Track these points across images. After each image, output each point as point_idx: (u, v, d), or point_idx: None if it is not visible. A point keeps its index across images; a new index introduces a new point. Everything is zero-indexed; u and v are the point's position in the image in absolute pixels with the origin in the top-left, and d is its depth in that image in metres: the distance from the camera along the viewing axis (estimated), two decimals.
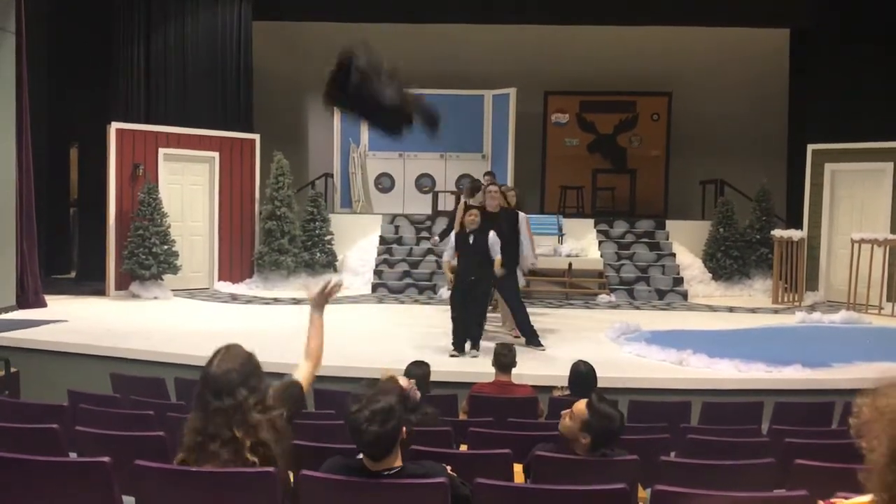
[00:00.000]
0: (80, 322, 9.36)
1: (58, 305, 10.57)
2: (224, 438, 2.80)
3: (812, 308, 11.42)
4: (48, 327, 8.93)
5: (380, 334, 9.10)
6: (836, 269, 12.33)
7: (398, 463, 2.84)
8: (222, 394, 2.81)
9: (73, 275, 13.72)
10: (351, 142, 14.94)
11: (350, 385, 6.64)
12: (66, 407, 5.04)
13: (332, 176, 15.05)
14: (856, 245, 11.41)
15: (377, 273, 12.84)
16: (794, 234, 12.28)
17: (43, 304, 10.45)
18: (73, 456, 3.93)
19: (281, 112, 15.65)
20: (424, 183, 15.20)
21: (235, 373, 2.85)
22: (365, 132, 15.20)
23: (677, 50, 15.26)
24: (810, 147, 12.69)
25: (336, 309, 10.98)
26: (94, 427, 4.20)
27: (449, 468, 3.17)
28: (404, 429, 2.84)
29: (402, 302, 11.84)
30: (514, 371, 6.00)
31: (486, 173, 12.73)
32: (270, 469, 2.85)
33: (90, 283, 12.39)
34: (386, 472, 2.81)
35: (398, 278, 12.72)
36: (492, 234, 7.91)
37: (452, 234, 8.23)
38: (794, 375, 7.16)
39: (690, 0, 13.62)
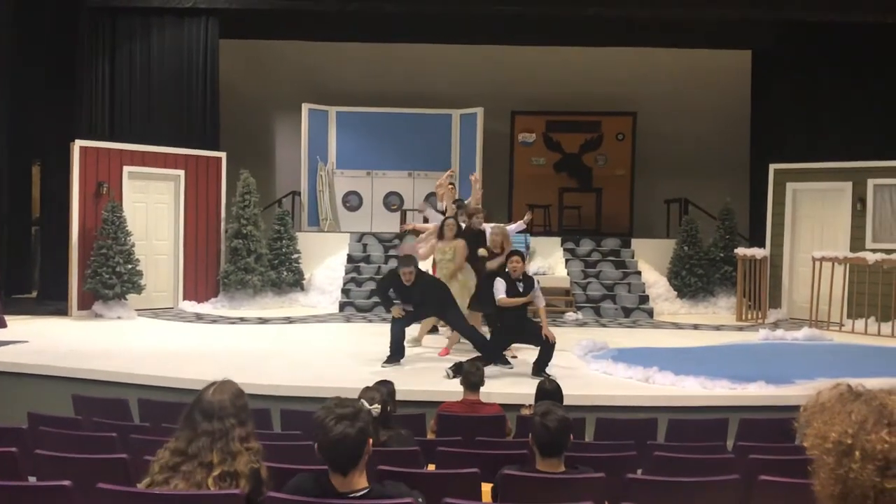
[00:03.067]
0: (41, 342, 9.19)
1: (19, 325, 10.37)
2: (203, 461, 2.86)
3: (775, 325, 11.59)
4: (8, 348, 8.76)
5: (347, 353, 9.05)
6: (798, 286, 12.53)
7: (365, 484, 2.82)
8: (213, 417, 2.91)
9: (34, 294, 13.49)
10: (318, 160, 14.92)
11: (317, 405, 6.60)
12: (25, 430, 4.94)
13: (299, 194, 15.00)
14: (817, 263, 11.61)
15: (345, 292, 12.80)
16: (757, 252, 12.46)
17: (3, 325, 10.22)
18: (32, 480, 3.85)
19: (248, 130, 15.59)
20: (392, 201, 15.21)
21: (229, 402, 2.97)
22: (333, 150, 15.22)
23: (642, 71, 15.48)
24: (772, 167, 12.91)
25: (303, 328, 10.94)
26: (54, 450, 4.11)
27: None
28: (371, 441, 2.82)
29: (370, 321, 11.80)
30: (482, 390, 6.00)
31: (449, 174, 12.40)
32: (236, 491, 2.83)
33: (52, 302, 12.19)
34: (353, 494, 2.78)
35: (366, 297, 12.68)
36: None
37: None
38: (758, 392, 7.24)
39: (654, 22, 13.82)
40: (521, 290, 7.92)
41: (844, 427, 1.43)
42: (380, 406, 4.30)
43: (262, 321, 11.42)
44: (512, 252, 8.22)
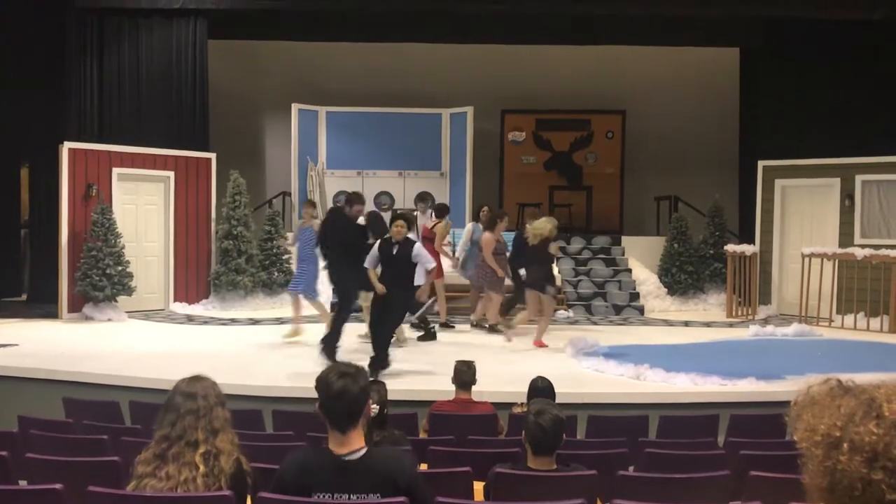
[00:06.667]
0: (31, 345, 9.15)
1: (8, 329, 10.34)
2: (189, 440, 2.93)
3: (765, 321, 11.63)
4: None
5: (339, 354, 9.03)
6: (787, 282, 12.59)
7: (362, 443, 2.87)
8: (196, 396, 3.00)
9: (24, 297, 13.42)
10: (309, 160, 14.88)
11: (308, 406, 6.60)
12: (16, 433, 4.93)
13: (289, 194, 14.96)
14: (806, 259, 11.66)
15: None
16: (747, 248, 12.51)
17: None
18: (23, 484, 3.84)
19: (237, 130, 15.55)
20: (383, 201, 15.20)
21: (210, 387, 3.08)
22: (323, 150, 15.20)
23: (631, 69, 15.52)
24: (761, 164, 12.97)
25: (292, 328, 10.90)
26: (45, 453, 4.10)
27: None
28: (371, 403, 2.88)
29: (363, 321, 11.75)
30: (473, 388, 6.01)
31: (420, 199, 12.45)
32: (227, 493, 2.83)
33: (42, 305, 12.13)
34: (349, 457, 2.81)
35: None
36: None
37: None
38: (748, 388, 7.28)
39: (643, 21, 13.85)
40: (394, 252, 7.87)
41: (833, 420, 1.44)
42: (378, 407, 4.31)
43: (254, 322, 11.39)
44: (397, 216, 8.23)
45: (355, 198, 8.82)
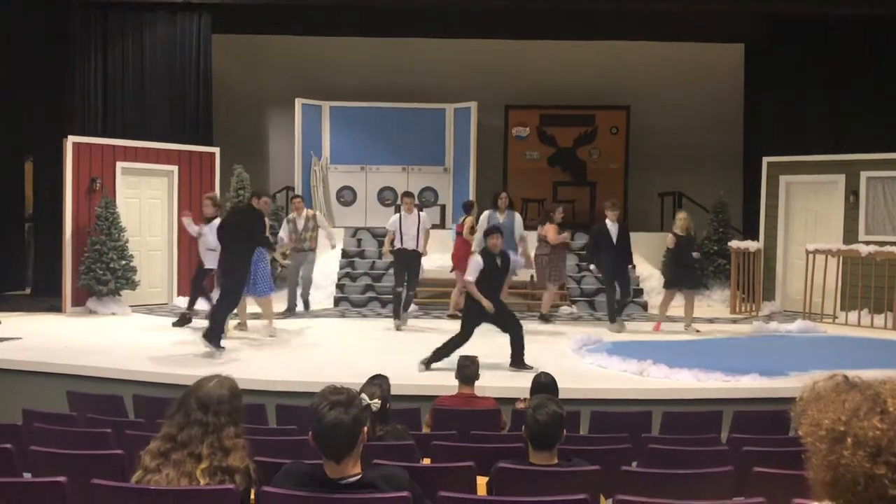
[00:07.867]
0: (35, 339, 9.17)
1: (12, 322, 10.35)
2: (192, 451, 2.87)
3: (769, 318, 11.61)
4: (2, 345, 8.73)
5: (342, 348, 9.05)
6: (791, 279, 12.56)
7: (358, 470, 2.82)
8: (208, 410, 2.91)
9: (28, 291, 13.46)
10: (312, 155, 14.89)
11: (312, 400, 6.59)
12: (20, 426, 4.94)
13: (293, 189, 14.96)
14: (810, 255, 11.64)
15: (339, 287, 12.78)
16: (751, 245, 12.49)
17: None
18: (27, 476, 3.85)
19: (241, 125, 15.55)
20: (386, 196, 15.20)
21: (227, 398, 2.98)
22: (326, 145, 15.19)
23: (635, 65, 15.48)
24: (765, 160, 12.93)
25: (298, 323, 10.93)
26: (49, 447, 4.11)
27: None
28: (365, 429, 2.83)
29: (365, 316, 11.79)
30: (476, 383, 6.01)
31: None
32: (231, 486, 2.83)
33: (46, 299, 12.16)
34: (345, 481, 2.78)
35: (360, 292, 12.67)
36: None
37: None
38: (751, 384, 7.27)
39: (647, 16, 13.83)
40: (499, 264, 7.99)
41: (838, 414, 1.45)
42: (380, 402, 4.30)
43: (256, 316, 11.39)
44: (492, 229, 8.31)
45: (262, 191, 10.04)
